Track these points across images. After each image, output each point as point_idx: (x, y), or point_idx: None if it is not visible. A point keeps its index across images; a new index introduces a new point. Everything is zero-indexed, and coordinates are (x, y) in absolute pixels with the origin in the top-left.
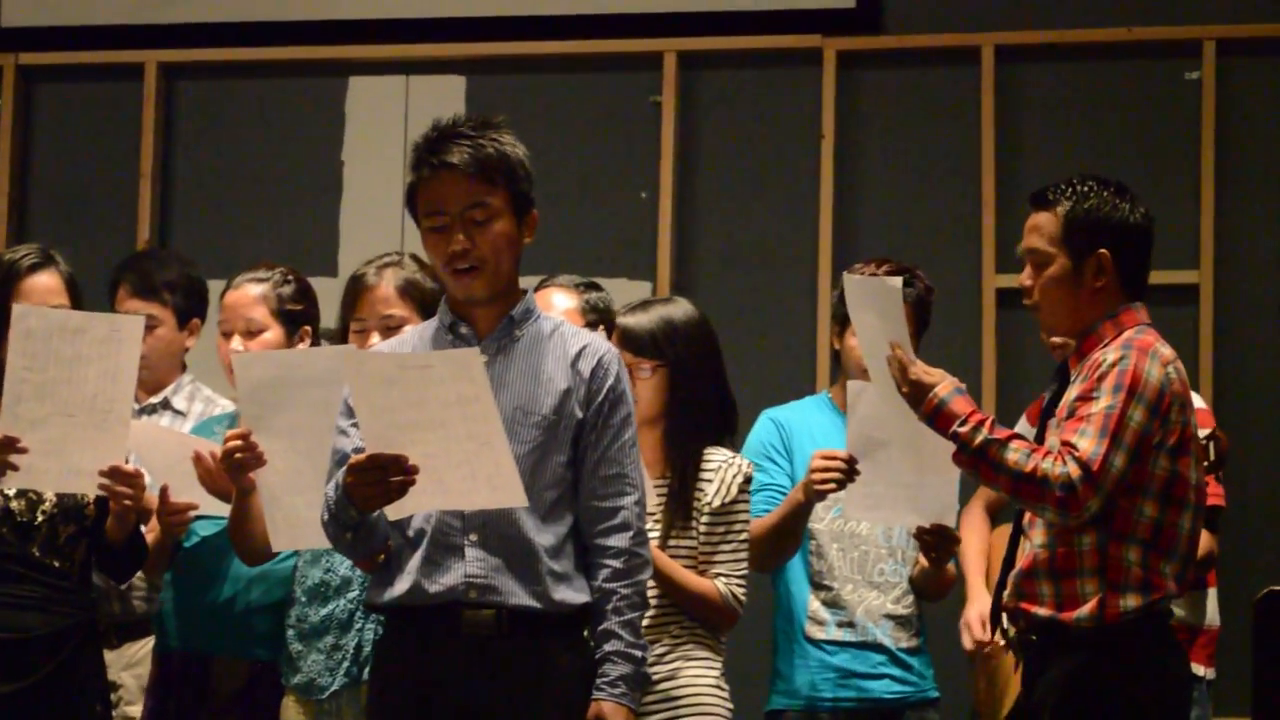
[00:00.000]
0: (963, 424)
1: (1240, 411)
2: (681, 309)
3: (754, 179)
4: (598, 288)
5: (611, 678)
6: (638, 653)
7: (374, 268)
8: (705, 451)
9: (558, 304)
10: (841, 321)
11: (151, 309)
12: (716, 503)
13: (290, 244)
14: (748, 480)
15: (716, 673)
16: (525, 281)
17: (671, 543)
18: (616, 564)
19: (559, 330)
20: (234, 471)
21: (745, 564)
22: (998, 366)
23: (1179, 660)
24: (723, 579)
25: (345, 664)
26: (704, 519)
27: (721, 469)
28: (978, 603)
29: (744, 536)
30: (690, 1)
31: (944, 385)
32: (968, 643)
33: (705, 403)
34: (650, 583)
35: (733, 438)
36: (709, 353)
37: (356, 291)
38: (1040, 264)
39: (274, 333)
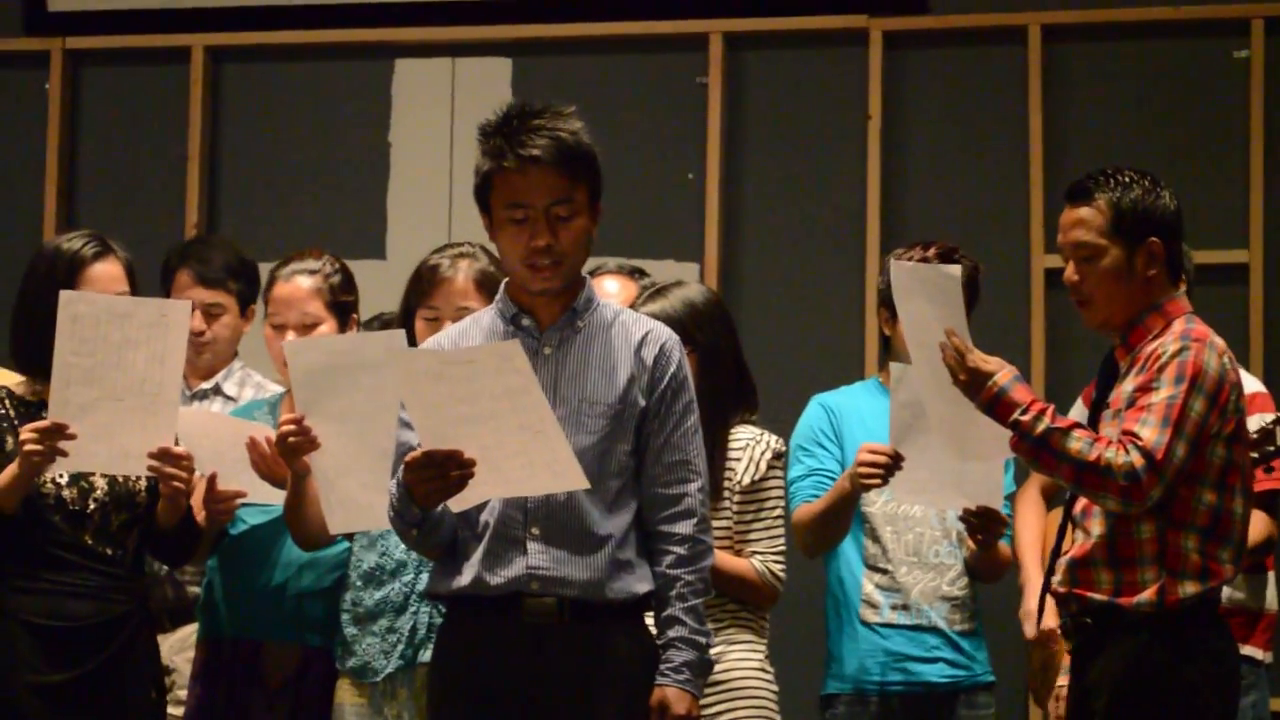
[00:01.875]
0: (1024, 412)
1: None
2: (698, 291)
3: (800, 160)
4: (645, 274)
5: (676, 664)
6: (701, 639)
7: (448, 259)
8: (732, 431)
9: (610, 291)
10: (892, 307)
11: (217, 297)
12: (746, 480)
13: (338, 227)
14: (777, 456)
15: (761, 655)
16: None
17: None
18: (681, 550)
19: (620, 318)
20: (289, 455)
21: (781, 540)
22: (1047, 347)
23: (1230, 644)
24: (759, 557)
25: (400, 646)
26: (736, 498)
27: (750, 446)
28: (1036, 593)
29: (778, 513)
30: None
31: (1003, 373)
32: (1029, 631)
33: (729, 382)
34: None
35: (753, 414)
36: (729, 331)
37: (433, 281)
38: (1088, 258)
39: (329, 325)
